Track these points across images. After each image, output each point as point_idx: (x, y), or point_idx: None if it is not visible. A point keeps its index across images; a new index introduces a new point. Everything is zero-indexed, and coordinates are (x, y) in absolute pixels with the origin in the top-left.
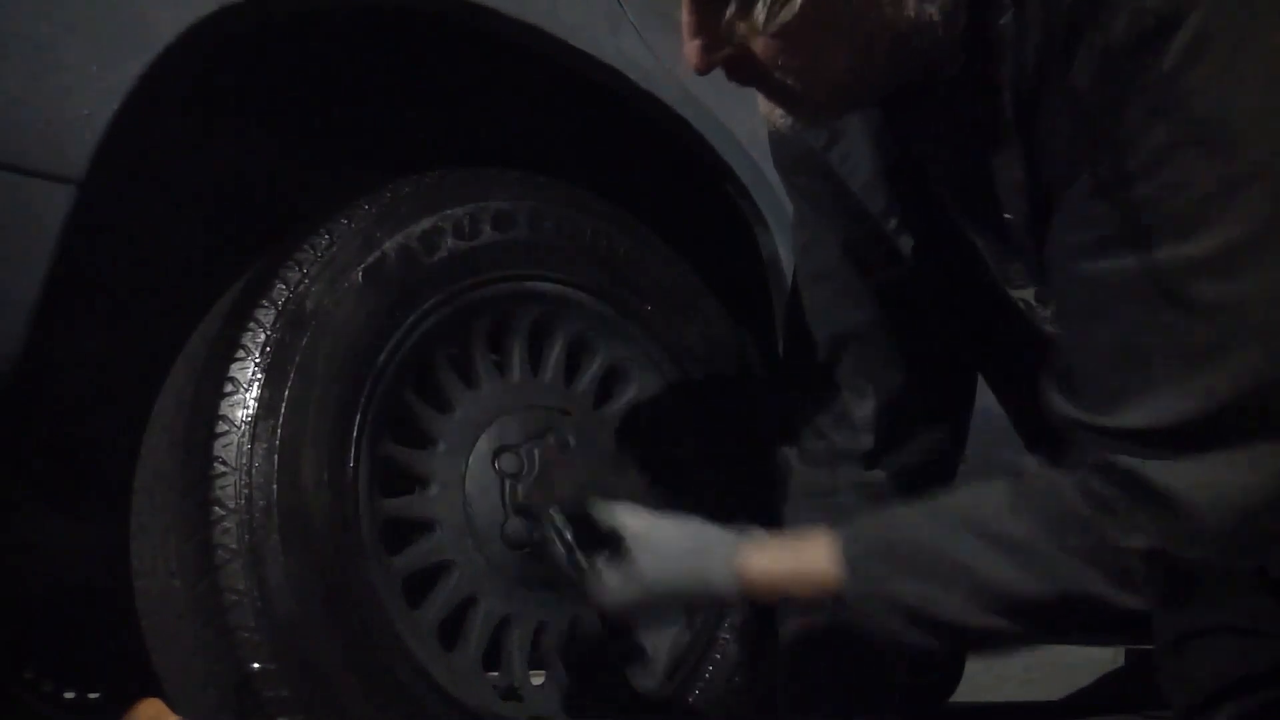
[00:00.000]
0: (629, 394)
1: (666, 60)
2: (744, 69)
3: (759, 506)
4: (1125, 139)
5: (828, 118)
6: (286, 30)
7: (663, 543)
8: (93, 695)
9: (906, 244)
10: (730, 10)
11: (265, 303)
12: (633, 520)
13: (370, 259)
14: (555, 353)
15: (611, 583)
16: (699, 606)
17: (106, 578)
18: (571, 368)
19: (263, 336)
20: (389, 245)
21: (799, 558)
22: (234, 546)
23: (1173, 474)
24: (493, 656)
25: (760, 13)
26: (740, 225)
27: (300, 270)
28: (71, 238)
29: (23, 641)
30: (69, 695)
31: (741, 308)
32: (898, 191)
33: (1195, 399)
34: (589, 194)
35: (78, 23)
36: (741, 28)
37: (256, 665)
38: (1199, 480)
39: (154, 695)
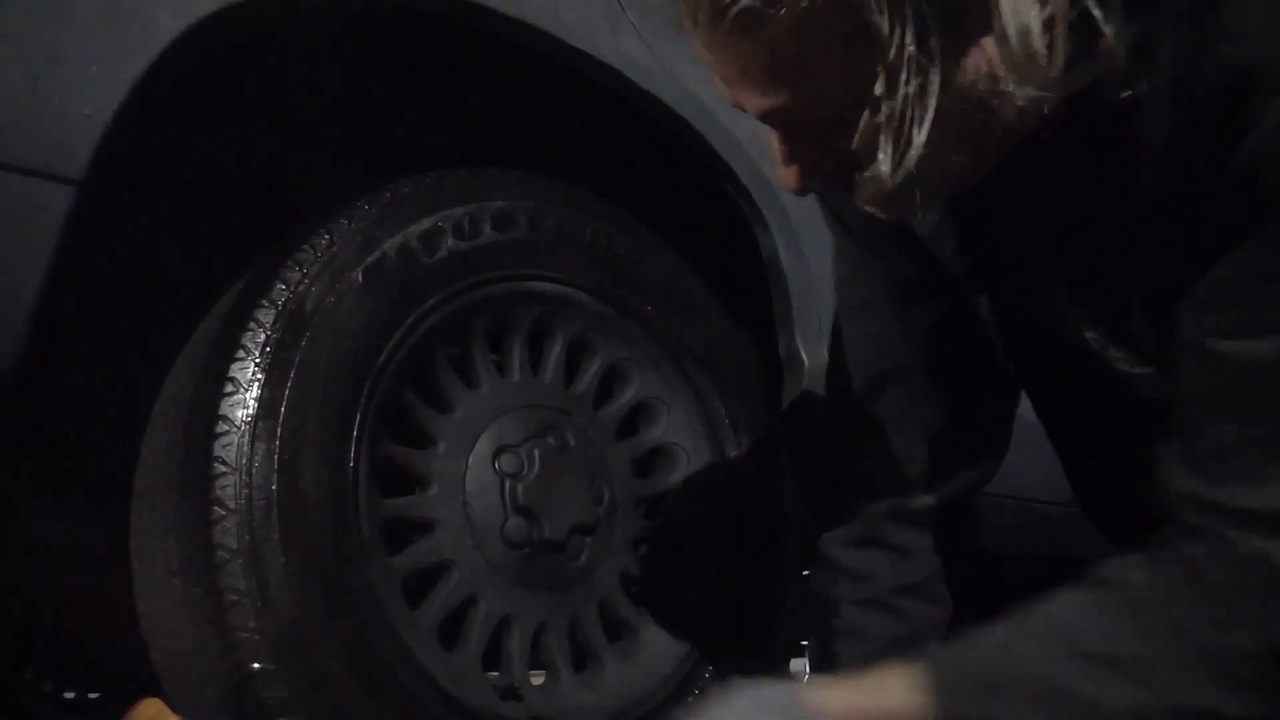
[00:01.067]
0: (629, 394)
1: (666, 60)
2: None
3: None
4: None
5: (931, 208)
6: (286, 30)
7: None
8: (93, 695)
9: (974, 291)
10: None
11: (265, 303)
12: None
13: (370, 259)
14: (555, 353)
15: None
16: None
17: (106, 578)
18: (571, 368)
19: (263, 336)
20: (389, 245)
21: (880, 695)
22: (234, 546)
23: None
24: (493, 656)
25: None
26: (740, 225)
27: (300, 270)
28: (71, 238)
29: (23, 641)
30: (69, 695)
31: (741, 308)
32: (968, 241)
33: None
34: (589, 194)
35: (78, 23)
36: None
37: (256, 665)
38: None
39: (154, 695)
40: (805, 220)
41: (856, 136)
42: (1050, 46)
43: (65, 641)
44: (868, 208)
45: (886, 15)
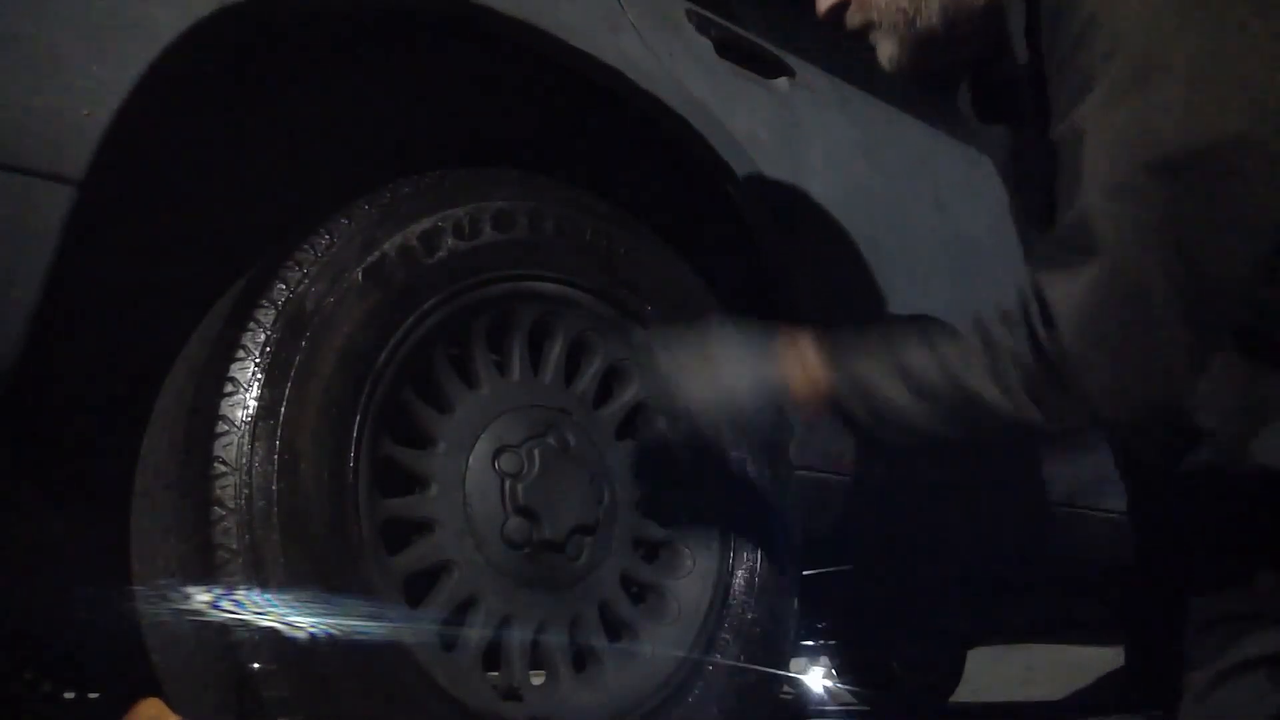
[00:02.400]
0: (629, 394)
1: (666, 60)
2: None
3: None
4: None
5: (914, 67)
6: (286, 30)
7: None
8: (93, 695)
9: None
10: None
11: (265, 303)
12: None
13: (370, 259)
14: (555, 353)
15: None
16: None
17: (106, 578)
18: (572, 368)
19: (263, 336)
20: (389, 245)
21: (811, 362)
22: (234, 546)
23: (1050, 284)
24: (493, 656)
25: None
26: (740, 225)
27: (300, 270)
28: (71, 238)
29: (23, 641)
30: (69, 695)
31: (742, 308)
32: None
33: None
34: (589, 194)
35: (78, 23)
36: None
37: (256, 665)
38: (1064, 291)
39: (154, 695)
40: (805, 220)
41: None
42: None
43: (65, 641)
44: (886, 62)
45: None
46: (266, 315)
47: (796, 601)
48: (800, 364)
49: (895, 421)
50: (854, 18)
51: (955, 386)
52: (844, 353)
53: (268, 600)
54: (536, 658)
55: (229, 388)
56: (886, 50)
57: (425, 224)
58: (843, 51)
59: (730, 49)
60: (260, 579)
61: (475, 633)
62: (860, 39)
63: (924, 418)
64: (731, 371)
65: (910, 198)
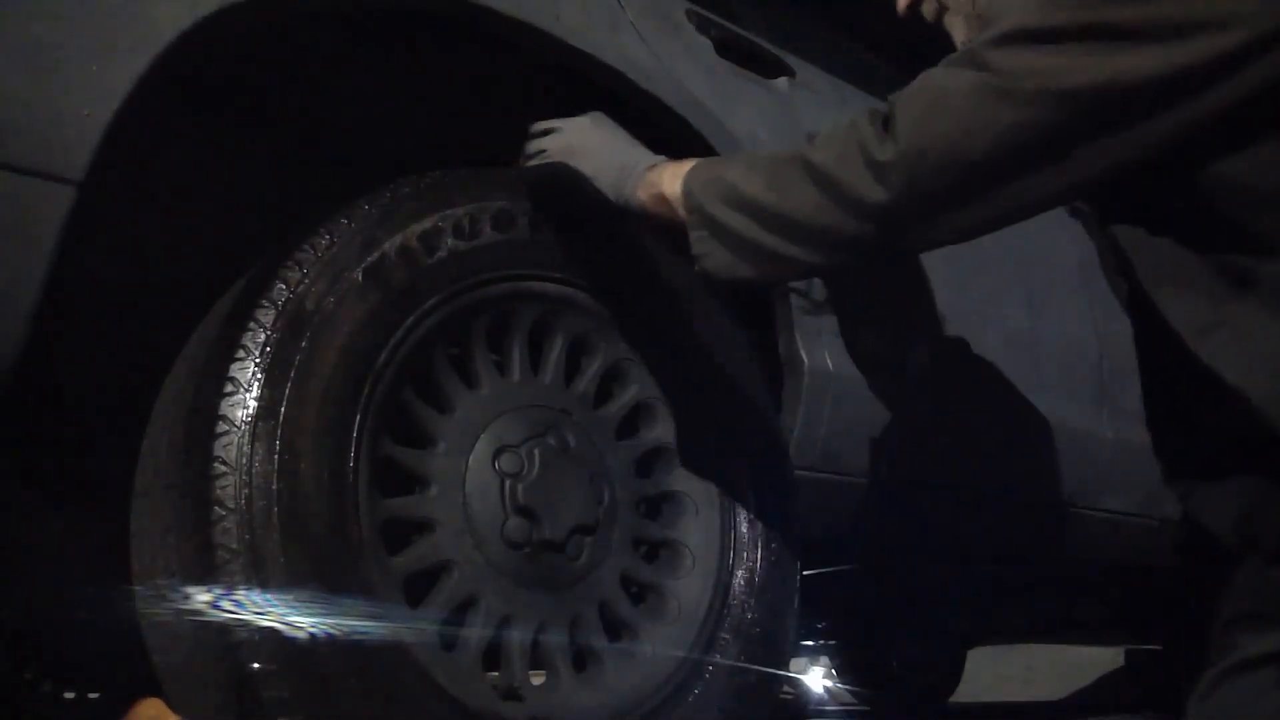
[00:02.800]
0: (629, 394)
1: (666, 60)
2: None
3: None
4: None
5: None
6: (287, 30)
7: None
8: (93, 695)
9: None
10: None
11: (265, 303)
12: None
13: (370, 259)
14: (555, 353)
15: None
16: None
17: (106, 578)
18: (572, 368)
19: (263, 336)
20: (389, 245)
21: (667, 178)
22: (234, 546)
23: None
24: (493, 656)
25: None
26: None
27: (300, 270)
28: (71, 238)
29: (23, 641)
30: (69, 695)
31: (742, 308)
32: None
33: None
34: None
35: (78, 23)
36: None
37: (256, 665)
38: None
39: (154, 695)
40: None
41: None
42: None
43: (65, 641)
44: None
45: None
46: (266, 315)
47: (796, 601)
48: (649, 165)
49: (743, 214)
50: (928, 8)
51: (805, 164)
52: (712, 162)
53: (268, 600)
54: (536, 658)
55: (229, 388)
56: (959, 34)
57: (425, 224)
58: (842, 51)
59: (730, 49)
60: (260, 579)
61: (475, 633)
62: (938, 31)
63: (773, 208)
64: (609, 146)
65: None
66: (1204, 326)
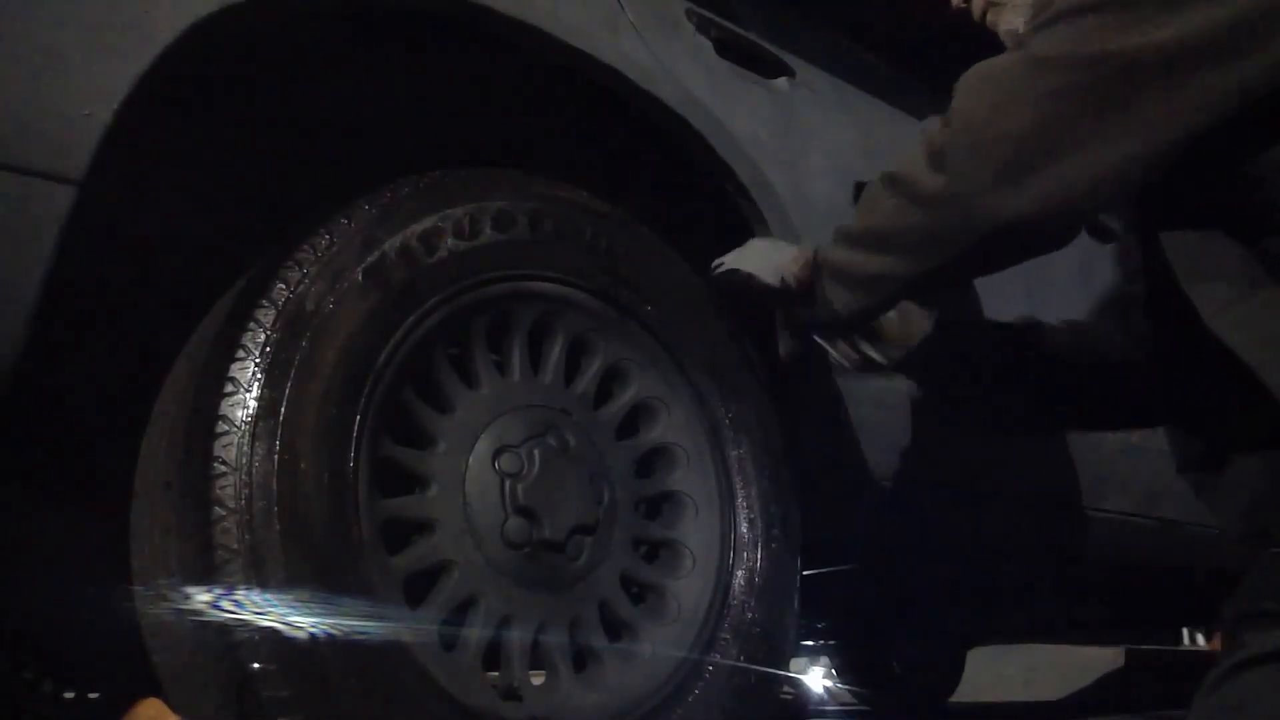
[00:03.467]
0: (629, 394)
1: (666, 60)
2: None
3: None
4: None
5: None
6: (286, 30)
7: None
8: (93, 695)
9: None
10: None
11: (265, 303)
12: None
13: (370, 259)
14: (555, 353)
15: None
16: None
17: (106, 578)
18: (572, 368)
19: (263, 336)
20: (389, 245)
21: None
22: (234, 546)
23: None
24: (493, 656)
25: None
26: (740, 225)
27: (300, 270)
28: (71, 238)
29: (23, 641)
30: (69, 695)
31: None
32: None
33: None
34: (589, 194)
35: (78, 23)
36: None
37: (256, 665)
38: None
39: (154, 695)
40: (804, 219)
41: None
42: None
43: (65, 641)
44: (1006, 38)
45: None
46: (266, 315)
47: (796, 601)
48: (798, 249)
49: (847, 246)
50: (977, 5)
51: (883, 177)
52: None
53: (268, 600)
54: (536, 658)
55: (229, 388)
56: (1005, 24)
57: (425, 224)
58: (843, 51)
59: (730, 49)
60: (260, 579)
61: (475, 633)
62: (985, 27)
63: (863, 228)
64: (761, 255)
65: None
66: (1225, 303)
